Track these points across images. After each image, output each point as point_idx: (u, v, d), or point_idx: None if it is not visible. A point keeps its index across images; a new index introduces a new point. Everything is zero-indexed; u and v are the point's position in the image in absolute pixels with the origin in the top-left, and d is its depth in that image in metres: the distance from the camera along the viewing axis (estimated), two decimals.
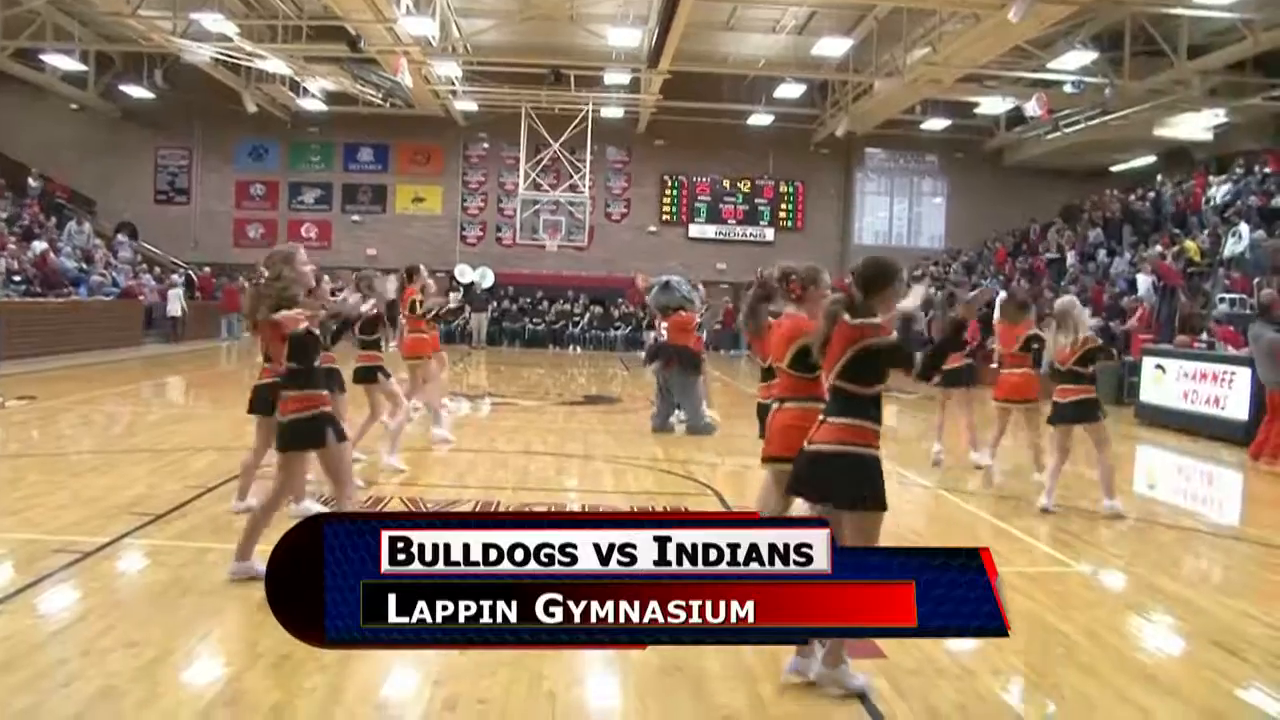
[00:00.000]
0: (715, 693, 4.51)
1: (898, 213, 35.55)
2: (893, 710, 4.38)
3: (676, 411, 13.32)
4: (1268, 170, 23.88)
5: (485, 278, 32.37)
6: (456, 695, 4.38)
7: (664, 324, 13.19)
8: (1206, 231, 22.39)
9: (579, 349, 31.45)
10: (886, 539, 7.82)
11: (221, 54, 24.93)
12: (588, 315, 32.78)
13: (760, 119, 31.01)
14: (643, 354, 13.88)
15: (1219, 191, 24.10)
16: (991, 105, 29.22)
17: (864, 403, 4.50)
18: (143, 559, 6.31)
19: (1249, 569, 7.33)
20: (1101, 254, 25.61)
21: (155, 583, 5.80)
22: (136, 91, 29.98)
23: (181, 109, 31.53)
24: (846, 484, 4.45)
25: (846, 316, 4.50)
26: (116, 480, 8.57)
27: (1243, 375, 13.96)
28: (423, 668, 4.69)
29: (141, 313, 26.14)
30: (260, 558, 6.02)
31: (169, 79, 29.37)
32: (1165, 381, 15.82)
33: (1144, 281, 21.33)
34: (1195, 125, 27.29)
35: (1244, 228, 20.70)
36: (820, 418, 4.62)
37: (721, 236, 34.79)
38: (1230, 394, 14.31)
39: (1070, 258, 26.57)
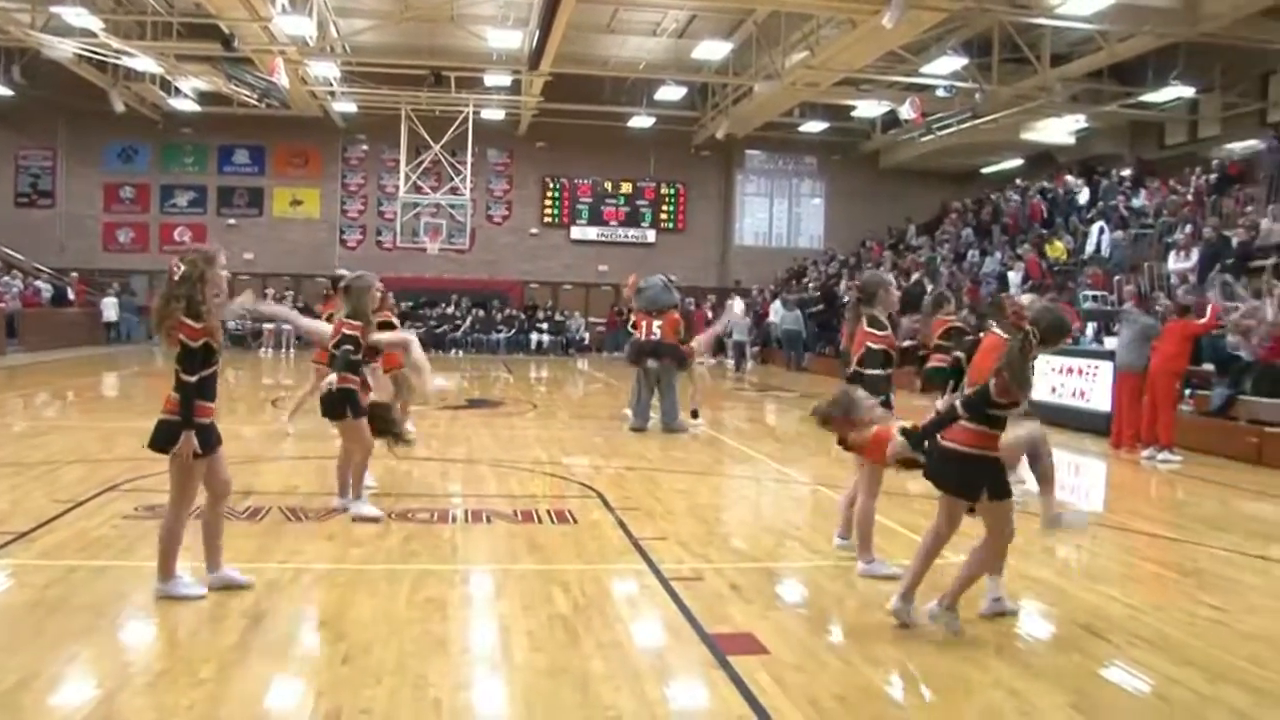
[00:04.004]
0: (601, 693, 4.52)
1: (777, 213, 36.13)
2: (776, 705, 4.44)
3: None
4: (1124, 173, 24.95)
5: None
6: (339, 707, 4.29)
7: (657, 323, 13.68)
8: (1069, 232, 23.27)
9: (460, 352, 31.16)
10: (768, 534, 7.98)
11: (86, 50, 24.03)
12: (470, 319, 32.51)
13: (641, 121, 31.19)
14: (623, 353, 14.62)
15: (1080, 194, 25.07)
16: (867, 108, 29.91)
17: (992, 416, 5.22)
18: (5, 579, 6.03)
19: (1112, 554, 7.63)
20: (973, 254, 26.38)
21: (18, 604, 5.54)
22: None
23: (43, 107, 30.28)
24: (975, 481, 5.22)
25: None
26: None
27: (1105, 369, 14.54)
28: (304, 679, 4.60)
29: (3, 320, 25.04)
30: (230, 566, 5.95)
31: (29, 75, 28.14)
32: (1034, 376, 16.36)
33: (1015, 279, 22.06)
34: (1059, 130, 28.44)
35: (1103, 227, 21.57)
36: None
37: (604, 238, 34.94)
38: (1094, 387, 14.91)
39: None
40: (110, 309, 31.10)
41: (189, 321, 5.45)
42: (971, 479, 5.24)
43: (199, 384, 5.52)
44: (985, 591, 5.77)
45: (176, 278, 5.51)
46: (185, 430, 5.43)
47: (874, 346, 6.63)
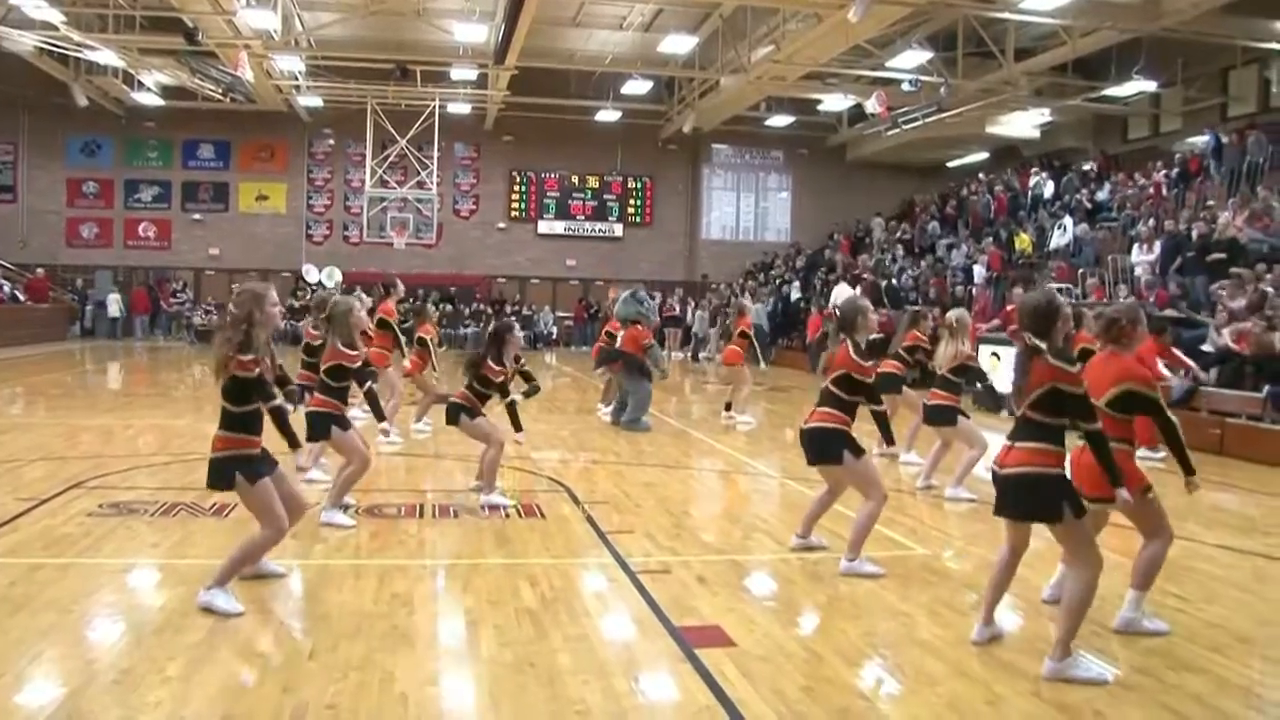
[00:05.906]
0: (568, 687, 4.51)
1: (744, 208, 36.19)
2: (743, 697, 4.45)
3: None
4: (1086, 168, 25.17)
5: (332, 277, 31.62)
6: (306, 702, 4.26)
7: (621, 332, 14.18)
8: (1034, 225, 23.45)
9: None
10: (735, 526, 7.99)
11: (46, 43, 23.72)
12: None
13: (608, 115, 31.11)
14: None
15: (1045, 188, 25.28)
16: (833, 102, 30.00)
17: (1052, 430, 4.87)
18: None
19: None
20: (940, 246, 26.56)
21: None
22: None
23: (4, 101, 29.90)
24: (1042, 501, 4.83)
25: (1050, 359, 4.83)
26: None
27: None
28: (270, 675, 4.57)
29: None
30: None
31: None
32: (1001, 368, 16.46)
33: (980, 272, 22.23)
34: (1024, 124, 28.63)
35: (1069, 221, 21.74)
36: (1008, 443, 4.99)
37: (571, 233, 34.87)
38: None
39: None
40: (114, 305, 31.72)
41: (241, 356, 5.44)
42: (1048, 499, 4.83)
43: (243, 418, 5.53)
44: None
45: (229, 320, 5.55)
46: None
47: (857, 377, 6.46)
